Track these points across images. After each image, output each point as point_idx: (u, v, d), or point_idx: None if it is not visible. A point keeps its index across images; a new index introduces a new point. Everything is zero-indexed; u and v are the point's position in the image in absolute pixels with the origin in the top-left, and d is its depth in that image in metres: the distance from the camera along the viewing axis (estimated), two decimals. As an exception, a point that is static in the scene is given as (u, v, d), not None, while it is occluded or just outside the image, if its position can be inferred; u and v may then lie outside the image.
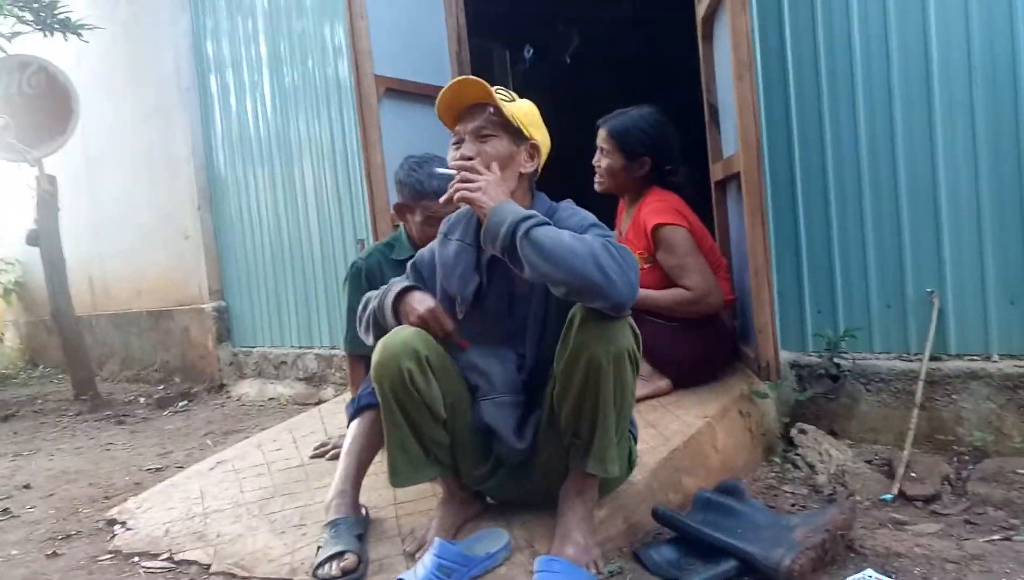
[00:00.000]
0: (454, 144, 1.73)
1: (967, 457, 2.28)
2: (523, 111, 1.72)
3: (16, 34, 5.09)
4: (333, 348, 4.30)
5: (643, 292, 2.45)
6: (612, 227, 2.92)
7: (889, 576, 1.62)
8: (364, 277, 2.41)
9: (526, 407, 1.75)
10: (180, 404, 4.68)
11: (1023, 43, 2.22)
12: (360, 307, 1.86)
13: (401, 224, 2.50)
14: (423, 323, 1.69)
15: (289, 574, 1.89)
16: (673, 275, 2.51)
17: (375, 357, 1.65)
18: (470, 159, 1.65)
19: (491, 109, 1.67)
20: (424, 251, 1.89)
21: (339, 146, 4.13)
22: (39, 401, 5.34)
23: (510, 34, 5.90)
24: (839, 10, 2.51)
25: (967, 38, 2.29)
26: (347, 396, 3.17)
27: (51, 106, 4.94)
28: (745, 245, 2.58)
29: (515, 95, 1.74)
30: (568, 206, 1.74)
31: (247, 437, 3.59)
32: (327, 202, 4.24)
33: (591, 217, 1.67)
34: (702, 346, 2.55)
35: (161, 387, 5.29)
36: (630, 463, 1.82)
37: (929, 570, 1.64)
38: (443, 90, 1.67)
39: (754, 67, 2.35)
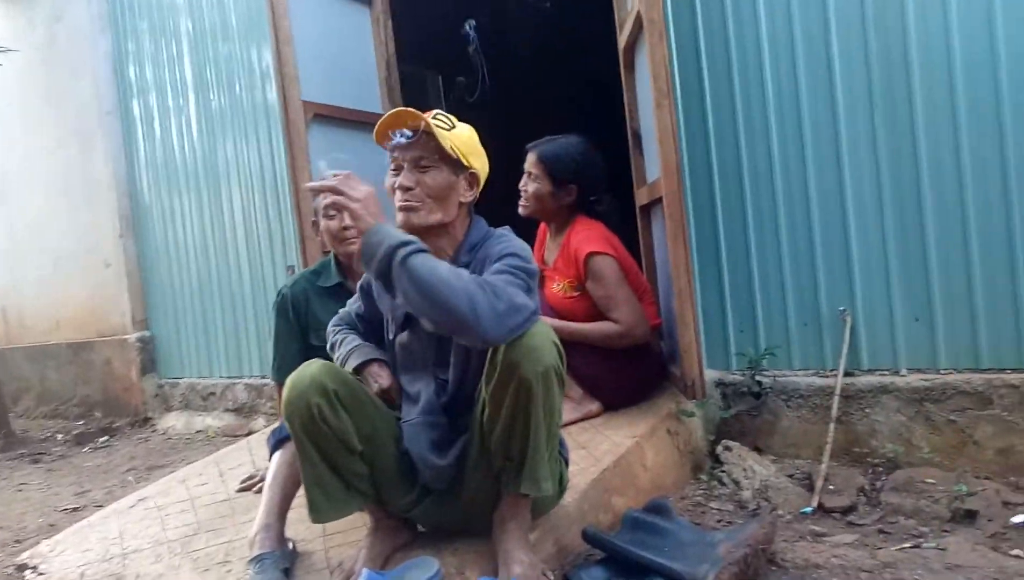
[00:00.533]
0: (392, 171, 1.72)
1: (881, 468, 2.39)
2: (462, 139, 1.70)
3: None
4: (264, 378, 4.20)
5: (572, 325, 2.52)
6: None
7: (808, 587, 1.68)
8: (290, 305, 2.39)
9: (449, 430, 1.74)
10: (101, 440, 4.48)
11: (917, 82, 2.37)
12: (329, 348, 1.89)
13: (331, 250, 2.49)
14: (382, 395, 1.76)
15: (212, 614, 1.83)
16: (601, 306, 2.53)
17: (284, 394, 1.63)
18: (409, 189, 1.65)
19: (429, 138, 1.65)
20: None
21: (268, 171, 4.07)
22: (-54, 441, 5.03)
23: (442, 60, 5.95)
24: (750, 42, 2.64)
25: (867, 69, 2.43)
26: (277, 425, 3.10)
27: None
28: (668, 268, 2.66)
29: (454, 120, 1.73)
30: (502, 236, 1.72)
31: (172, 472, 3.47)
32: (256, 228, 4.17)
33: (516, 247, 1.65)
34: (632, 369, 2.60)
35: (81, 423, 5.05)
36: (561, 486, 1.83)
37: (845, 579, 1.71)
38: (382, 118, 1.66)
39: (673, 95, 2.44)
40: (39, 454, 4.32)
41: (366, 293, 1.88)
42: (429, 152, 1.66)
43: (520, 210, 2.74)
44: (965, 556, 1.76)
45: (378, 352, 1.83)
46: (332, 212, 2.33)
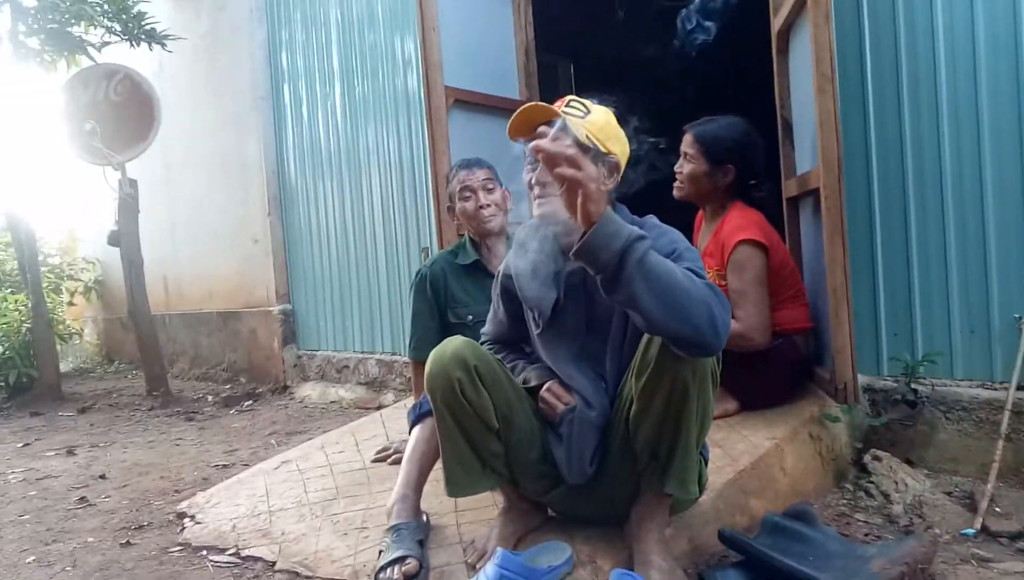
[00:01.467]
0: (529, 165, 1.66)
1: (1058, 493, 2.16)
2: (598, 125, 1.61)
3: (105, 44, 5.37)
4: (394, 354, 4.36)
5: None
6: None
7: (972, 615, 1.54)
8: (428, 284, 2.46)
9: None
10: (246, 404, 4.81)
11: None
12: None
13: (466, 233, 2.54)
14: (545, 405, 1.73)
15: (351, 576, 1.92)
16: (731, 298, 2.39)
17: (427, 368, 1.65)
18: (548, 184, 1.56)
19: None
20: (503, 267, 1.87)
21: (406, 157, 4.19)
22: (114, 395, 5.57)
23: (576, 50, 5.91)
24: (922, 21, 2.43)
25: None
26: (408, 401, 3.20)
27: (135, 113, 5.16)
28: (819, 264, 2.51)
29: (589, 105, 1.66)
30: (654, 223, 1.66)
31: (310, 438, 3.67)
32: (393, 211, 4.31)
33: (681, 238, 1.59)
34: (771, 369, 2.47)
35: (228, 386, 5.45)
36: (700, 485, 1.76)
37: (1016, 611, 1.56)
38: (514, 114, 1.60)
39: (835, 80, 2.28)
40: (193, 413, 4.69)
41: (505, 290, 1.84)
42: None
43: (675, 192, 2.64)
44: None
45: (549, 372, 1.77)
46: (467, 194, 2.39)
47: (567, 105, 1.62)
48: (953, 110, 2.39)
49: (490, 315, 1.95)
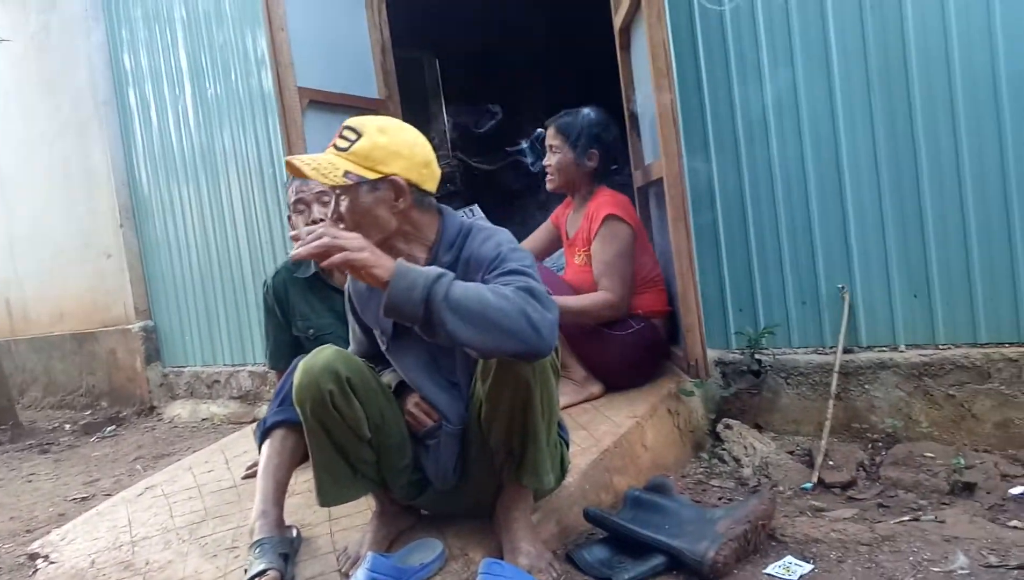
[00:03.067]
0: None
1: (880, 443, 2.40)
2: (365, 151, 1.55)
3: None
4: (266, 365, 4.22)
5: (572, 303, 2.46)
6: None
7: (808, 561, 1.70)
8: (272, 295, 2.42)
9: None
10: (108, 429, 4.52)
11: (914, 63, 2.36)
12: None
13: None
14: (412, 419, 1.74)
15: (221, 598, 1.86)
16: (596, 270, 2.55)
17: (296, 379, 1.62)
18: (336, 221, 1.58)
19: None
20: (347, 287, 1.87)
21: (266, 159, 4.06)
22: (-46, 433, 5.07)
23: (439, 44, 5.91)
24: (746, 22, 2.62)
25: (863, 38, 2.42)
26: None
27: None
28: (667, 249, 2.66)
29: (362, 127, 1.59)
30: (481, 228, 1.67)
31: (179, 459, 3.50)
32: (256, 215, 4.17)
33: (507, 239, 1.62)
34: (637, 353, 2.61)
35: (88, 413, 5.09)
36: (563, 469, 1.84)
37: (844, 553, 1.73)
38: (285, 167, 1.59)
39: (672, 76, 2.42)
40: (47, 444, 4.36)
41: (353, 310, 1.83)
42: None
43: (548, 185, 2.78)
44: (963, 528, 1.78)
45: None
46: (301, 207, 2.28)
47: (339, 136, 1.59)
48: (776, 99, 2.60)
49: (351, 335, 1.93)
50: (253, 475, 2.57)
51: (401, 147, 1.60)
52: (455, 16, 5.62)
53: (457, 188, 4.33)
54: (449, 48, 5.96)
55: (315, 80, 3.25)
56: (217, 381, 4.50)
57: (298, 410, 1.67)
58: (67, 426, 4.78)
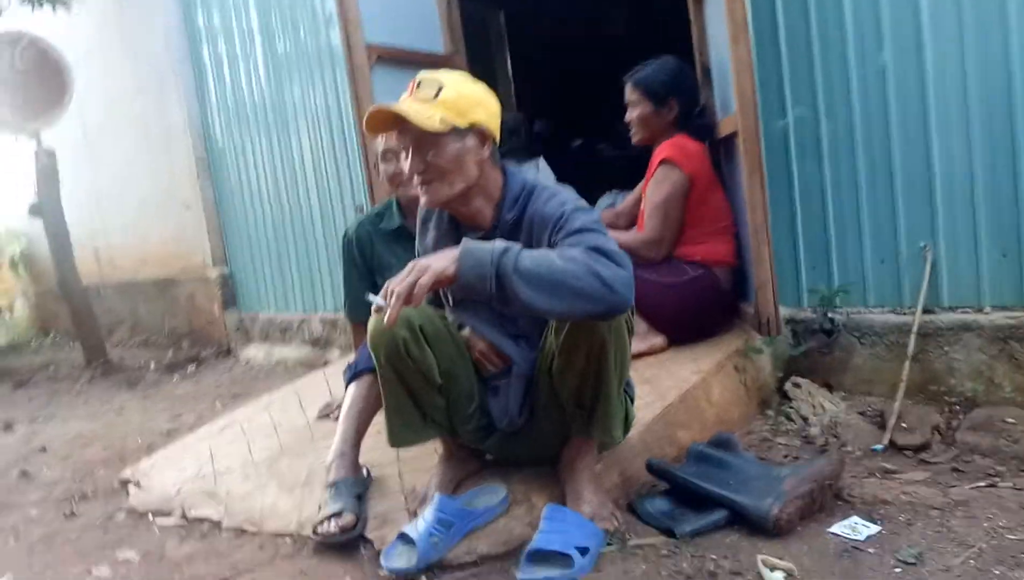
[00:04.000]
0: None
1: (958, 407, 2.32)
2: (451, 101, 1.59)
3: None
4: (337, 312, 4.34)
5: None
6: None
7: (875, 522, 1.68)
8: (355, 247, 2.44)
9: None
10: (189, 368, 4.76)
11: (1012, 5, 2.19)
12: None
13: (393, 194, 2.51)
14: (482, 360, 1.79)
15: (296, 529, 1.97)
16: (645, 213, 2.64)
17: (370, 327, 1.67)
18: (423, 172, 1.61)
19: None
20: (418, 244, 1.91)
21: (334, 113, 4.10)
22: (52, 368, 5.42)
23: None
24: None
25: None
26: (352, 358, 3.23)
27: (45, 80, 4.92)
28: (740, 202, 2.60)
29: (440, 78, 1.62)
30: (544, 187, 1.68)
31: (256, 399, 3.68)
32: (325, 168, 4.25)
33: (570, 198, 1.62)
34: (696, 302, 2.59)
35: (170, 352, 5.37)
36: (627, 423, 1.85)
37: (913, 516, 1.70)
38: (366, 116, 1.60)
39: (748, 29, 2.33)
40: (135, 380, 4.62)
41: None
42: (421, 131, 1.57)
43: (633, 139, 2.83)
44: (1043, 497, 1.72)
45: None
46: (389, 156, 2.33)
47: (418, 88, 1.61)
48: (859, 49, 2.46)
49: None
50: (326, 416, 2.69)
51: (483, 97, 1.66)
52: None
53: (522, 142, 4.29)
54: (516, 3, 5.85)
55: (382, 36, 3.26)
56: (290, 327, 4.66)
57: (372, 355, 1.73)
58: (152, 364, 5.04)
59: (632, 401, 1.89)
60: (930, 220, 2.42)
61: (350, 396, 2.13)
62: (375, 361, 1.73)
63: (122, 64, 5.42)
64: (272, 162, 4.59)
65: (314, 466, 2.28)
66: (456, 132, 1.60)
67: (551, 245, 1.57)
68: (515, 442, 1.87)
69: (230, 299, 5.08)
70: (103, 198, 5.96)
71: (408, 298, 1.42)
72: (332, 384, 3.09)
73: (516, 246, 1.45)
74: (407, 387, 1.73)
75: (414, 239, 2.38)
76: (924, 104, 2.37)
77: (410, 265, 1.46)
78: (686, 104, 2.70)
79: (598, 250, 1.44)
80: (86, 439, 3.38)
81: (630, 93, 2.76)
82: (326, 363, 4.23)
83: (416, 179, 1.64)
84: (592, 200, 4.43)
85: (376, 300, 1.47)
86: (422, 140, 1.59)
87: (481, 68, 4.55)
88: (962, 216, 2.36)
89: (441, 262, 1.44)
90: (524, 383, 1.78)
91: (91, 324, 5.17)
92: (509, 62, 5.39)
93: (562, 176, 4.26)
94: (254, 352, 4.84)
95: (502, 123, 1.74)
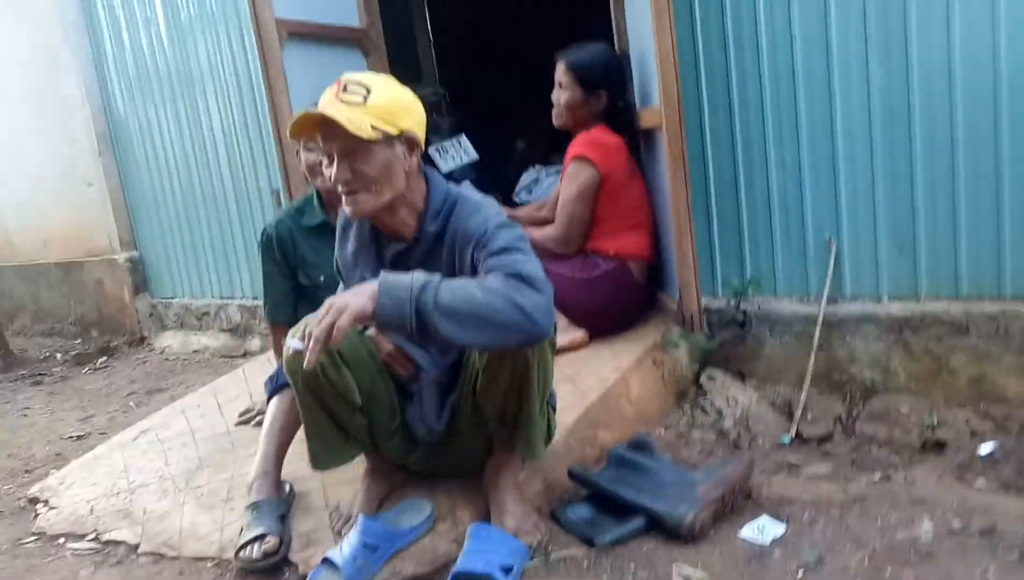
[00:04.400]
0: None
1: (859, 395, 2.46)
2: (382, 107, 1.55)
3: None
4: (255, 298, 4.22)
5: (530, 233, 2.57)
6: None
7: (781, 522, 1.78)
8: (275, 245, 2.36)
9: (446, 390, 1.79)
10: (100, 361, 4.55)
11: (913, 11, 2.27)
12: None
13: (313, 187, 2.44)
14: (387, 363, 1.76)
15: (217, 552, 1.94)
16: (557, 208, 2.67)
17: (285, 351, 1.64)
18: (349, 181, 1.56)
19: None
20: (337, 251, 1.87)
21: (245, 81, 3.90)
22: (-54, 361, 5.10)
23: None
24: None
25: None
26: (272, 355, 3.15)
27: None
28: (659, 197, 2.64)
29: (368, 82, 1.57)
30: (466, 199, 1.66)
31: (171, 397, 3.57)
32: (238, 145, 4.04)
33: (494, 213, 1.61)
34: (610, 295, 2.64)
35: (78, 341, 5.11)
36: (549, 432, 1.88)
37: (816, 514, 1.81)
38: (292, 122, 1.55)
39: (672, 18, 2.33)
40: (40, 374, 4.40)
41: (338, 273, 1.86)
42: (351, 137, 1.52)
43: (554, 121, 2.79)
44: (931, 490, 1.86)
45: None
46: (310, 144, 2.23)
47: (344, 91, 1.55)
48: (771, 46, 2.51)
49: (339, 289, 1.94)
50: (245, 422, 2.63)
51: (411, 103, 1.63)
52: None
53: (443, 117, 4.22)
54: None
55: (294, 10, 3.10)
56: (207, 313, 4.51)
57: (289, 380, 1.69)
58: (58, 355, 4.81)
59: (555, 410, 1.92)
60: (835, 214, 2.52)
61: (271, 412, 2.09)
62: (292, 385, 1.70)
63: (6, 30, 4.99)
64: (180, 136, 4.34)
65: (235, 479, 2.24)
66: (386, 139, 1.56)
67: (473, 262, 1.57)
68: (439, 456, 1.88)
69: (141, 284, 4.85)
70: (-8, 173, 5.54)
71: (328, 340, 1.39)
72: (251, 385, 3.02)
73: (435, 279, 1.44)
74: (327, 411, 1.71)
75: (335, 234, 2.33)
76: (831, 106, 2.45)
77: (327, 304, 1.43)
78: (614, 97, 2.69)
79: (519, 277, 1.45)
80: (-12, 447, 3.21)
81: (562, 74, 2.70)
82: (245, 354, 4.13)
83: (341, 188, 1.59)
84: (513, 182, 4.44)
85: (295, 344, 1.45)
86: (350, 147, 1.54)
87: (399, 41, 4.42)
88: (864, 211, 2.47)
89: (359, 301, 1.42)
90: (438, 389, 1.79)
91: (-12, 314, 4.86)
92: (431, 34, 5.25)
93: (483, 145, 4.23)
94: (169, 340, 4.66)
95: (422, 98, 1.71)
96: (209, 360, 4.23)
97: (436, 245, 1.66)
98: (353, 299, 1.42)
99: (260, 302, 4.08)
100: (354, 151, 1.55)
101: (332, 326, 1.39)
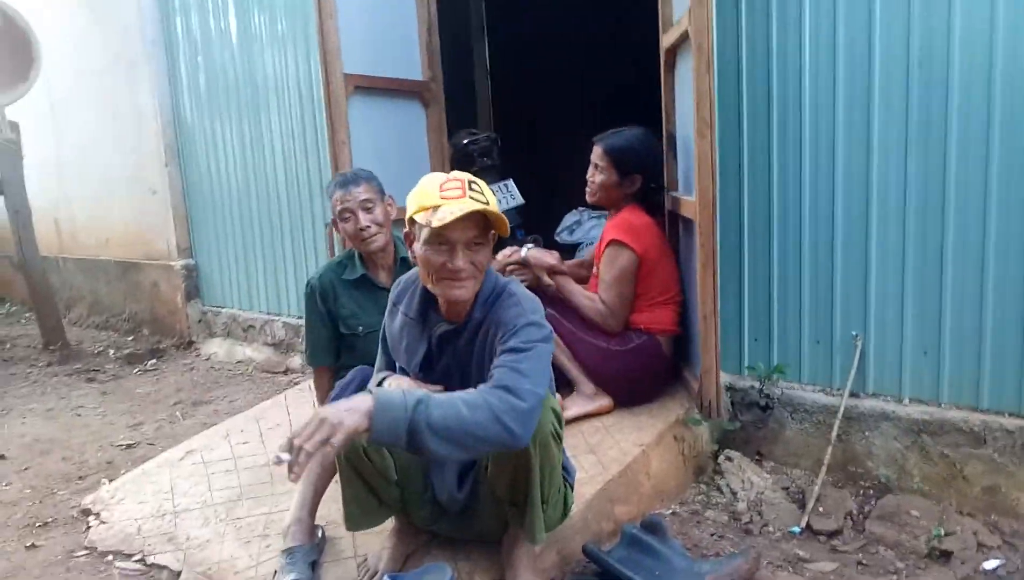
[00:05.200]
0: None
1: (872, 491, 2.53)
2: (493, 204, 1.68)
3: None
4: (301, 317, 4.41)
5: (575, 290, 2.78)
6: None
7: (781, 621, 1.87)
8: (318, 296, 2.53)
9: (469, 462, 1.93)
10: (150, 362, 4.80)
11: (953, 122, 2.35)
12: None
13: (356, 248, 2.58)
14: None
15: (253, 589, 2.09)
16: (599, 287, 2.77)
17: (275, 461, 1.73)
18: (466, 269, 1.67)
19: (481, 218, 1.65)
20: (386, 321, 2.00)
21: (306, 94, 4.11)
22: (7, 345, 5.41)
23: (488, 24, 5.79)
24: (792, 69, 2.61)
25: (906, 105, 2.41)
26: (312, 383, 3.32)
27: (11, 51, 4.79)
28: (691, 277, 2.73)
29: (480, 185, 1.69)
30: (511, 293, 1.76)
31: (215, 410, 3.77)
32: (296, 166, 4.25)
33: (528, 310, 1.70)
34: (639, 368, 2.74)
35: (130, 338, 5.38)
36: (565, 508, 1.99)
37: (815, 617, 1.89)
38: (445, 217, 1.60)
39: (714, 125, 2.44)
40: (94, 370, 4.65)
41: (384, 342, 2.00)
42: (481, 230, 1.67)
43: (587, 197, 2.91)
44: (931, 603, 1.93)
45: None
46: (347, 215, 2.41)
47: (470, 188, 1.65)
48: (814, 152, 2.61)
49: (379, 350, 2.08)
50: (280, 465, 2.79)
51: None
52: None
53: (494, 162, 4.37)
54: (499, 30, 5.84)
55: (360, 64, 3.27)
56: (253, 326, 4.72)
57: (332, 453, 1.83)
58: (111, 352, 5.06)
59: (572, 487, 2.04)
60: (863, 311, 2.60)
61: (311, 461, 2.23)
62: (336, 460, 1.84)
63: (91, 39, 5.29)
64: (243, 154, 4.58)
65: (272, 516, 2.40)
66: (491, 236, 1.73)
67: (494, 349, 1.69)
68: (461, 525, 2.01)
69: (193, 290, 5.10)
70: (66, 171, 5.86)
71: (315, 453, 1.43)
72: (292, 414, 3.20)
73: (425, 397, 1.53)
74: (365, 482, 1.86)
75: (376, 287, 2.50)
76: (867, 205, 2.53)
77: (320, 417, 1.45)
78: (648, 181, 2.81)
79: (505, 389, 1.55)
80: (44, 445, 3.44)
81: (598, 157, 2.82)
82: (287, 371, 4.32)
83: (457, 275, 1.69)
84: (557, 220, 4.57)
85: (282, 456, 1.44)
86: (477, 240, 1.68)
87: (459, 90, 4.61)
88: (892, 312, 2.54)
89: (353, 418, 1.46)
90: (459, 460, 1.91)
91: (50, 305, 5.14)
92: (490, 87, 5.51)
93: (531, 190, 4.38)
94: (215, 348, 4.89)
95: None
96: (252, 373, 4.43)
97: (477, 331, 1.79)
98: (347, 417, 1.46)
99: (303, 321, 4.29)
100: (480, 244, 1.69)
101: (324, 442, 1.44)
